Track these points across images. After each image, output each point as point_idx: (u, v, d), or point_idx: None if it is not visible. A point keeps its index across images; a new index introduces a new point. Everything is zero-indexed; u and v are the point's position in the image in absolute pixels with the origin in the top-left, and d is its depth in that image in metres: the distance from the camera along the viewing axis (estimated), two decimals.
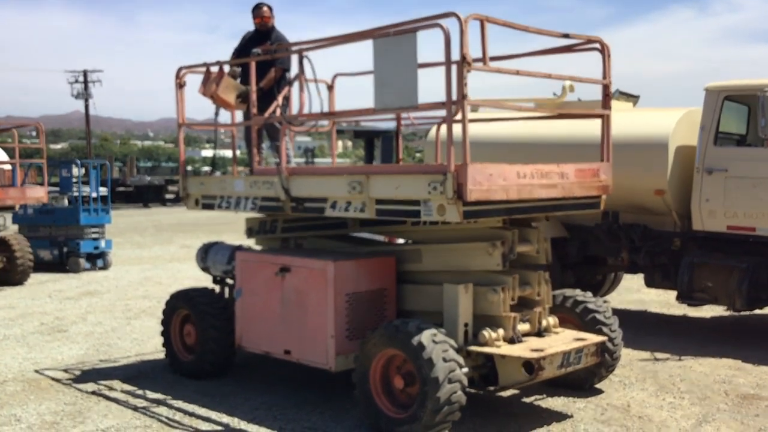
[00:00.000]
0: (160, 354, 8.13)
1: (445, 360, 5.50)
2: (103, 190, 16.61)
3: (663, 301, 11.46)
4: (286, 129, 7.18)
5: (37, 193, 13.57)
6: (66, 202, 16.71)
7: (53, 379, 7.59)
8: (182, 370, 7.59)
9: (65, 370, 7.91)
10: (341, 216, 6.37)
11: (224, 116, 7.80)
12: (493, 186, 5.51)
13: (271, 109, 7.16)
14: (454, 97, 5.31)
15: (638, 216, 9.32)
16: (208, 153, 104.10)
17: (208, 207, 7.58)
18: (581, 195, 6.35)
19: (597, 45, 6.48)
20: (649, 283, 9.57)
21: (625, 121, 9.03)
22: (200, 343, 7.39)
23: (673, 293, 9.22)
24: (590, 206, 6.58)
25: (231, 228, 24.14)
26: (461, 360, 5.64)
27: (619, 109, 9.15)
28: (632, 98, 11.03)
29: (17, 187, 13.46)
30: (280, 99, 7.25)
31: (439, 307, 6.18)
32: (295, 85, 6.92)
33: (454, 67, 5.29)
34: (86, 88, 56.25)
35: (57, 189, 17.17)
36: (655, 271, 9.37)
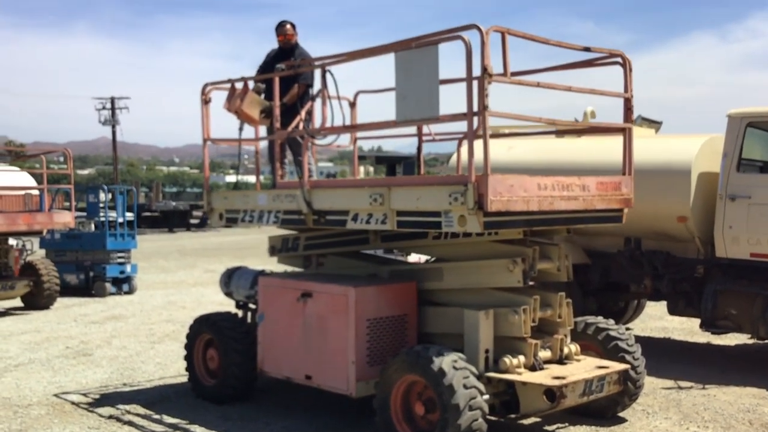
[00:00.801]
0: (183, 378, 8.19)
1: (465, 387, 5.50)
2: (129, 215, 16.81)
3: (686, 329, 11.35)
4: (309, 143, 7.27)
5: (65, 218, 13.74)
6: (93, 227, 16.92)
7: (77, 403, 7.67)
8: (204, 394, 7.64)
9: (89, 394, 7.99)
10: (363, 228, 6.40)
11: (248, 132, 7.89)
12: (514, 197, 5.53)
13: (294, 124, 7.26)
14: (475, 108, 5.35)
15: (661, 243, 9.28)
16: (232, 178, 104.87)
17: (231, 221, 7.68)
18: (603, 208, 6.33)
19: (618, 59, 6.47)
20: (672, 310, 9.50)
21: (648, 148, 9.02)
22: (223, 367, 7.44)
23: (697, 321, 9.13)
24: (612, 220, 6.55)
25: (254, 252, 24.26)
26: (482, 387, 5.64)
27: (641, 136, 9.16)
28: (655, 124, 11.03)
29: (45, 212, 13.65)
30: (303, 113, 7.33)
31: (460, 329, 6.18)
32: (318, 100, 7.03)
33: (475, 81, 5.32)
34: (113, 114, 57.03)
35: (84, 214, 17.40)
36: (678, 299, 9.30)
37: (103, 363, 9.49)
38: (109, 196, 16.80)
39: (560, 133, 10.54)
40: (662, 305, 10.03)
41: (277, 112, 7.19)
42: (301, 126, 7.27)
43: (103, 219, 16.20)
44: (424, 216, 5.79)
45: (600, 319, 7.01)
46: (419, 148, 8.22)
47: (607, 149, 8.85)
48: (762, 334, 8.47)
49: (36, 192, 14.12)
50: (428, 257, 7.38)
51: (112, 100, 57.16)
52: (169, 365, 9.31)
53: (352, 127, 7.63)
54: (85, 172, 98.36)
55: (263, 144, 8.26)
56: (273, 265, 8.20)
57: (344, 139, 8.30)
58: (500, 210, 5.45)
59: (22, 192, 14.08)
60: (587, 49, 6.25)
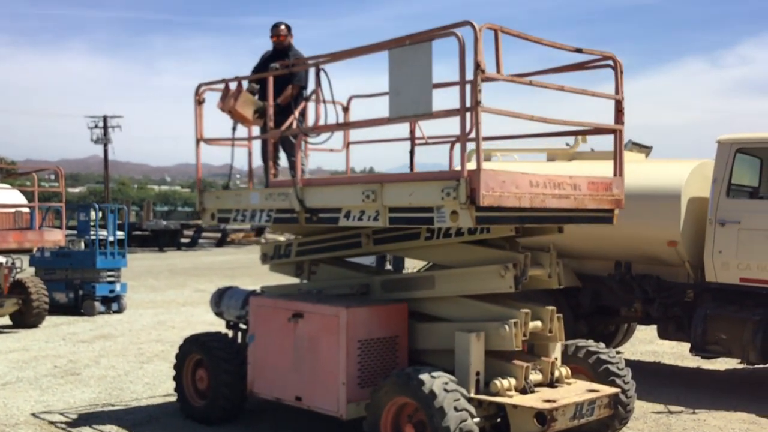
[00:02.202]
0: (172, 398, 8.14)
1: (456, 409, 5.49)
2: (120, 234, 16.76)
3: (677, 353, 11.37)
4: (302, 141, 7.25)
5: (55, 237, 13.70)
6: (83, 245, 16.85)
7: (64, 422, 7.60)
8: (193, 415, 7.59)
9: (77, 414, 7.93)
10: (355, 225, 6.39)
11: (241, 133, 7.84)
12: (506, 193, 5.55)
13: (287, 123, 7.27)
14: (468, 104, 5.37)
15: (651, 267, 9.31)
16: None
17: (223, 221, 7.66)
18: (594, 207, 6.35)
19: (610, 61, 6.52)
20: (663, 334, 9.52)
21: (638, 172, 9.08)
22: (212, 388, 7.40)
23: (687, 345, 9.16)
24: (603, 220, 6.56)
25: (245, 272, 24.21)
26: (473, 409, 5.63)
27: (631, 160, 9.22)
28: (645, 149, 11.11)
29: (35, 230, 13.60)
30: (296, 113, 7.34)
31: (449, 345, 6.18)
32: (311, 101, 7.01)
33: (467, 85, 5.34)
34: (106, 133, 57.05)
35: (74, 232, 17.31)
36: (668, 323, 9.33)
37: (91, 382, 9.42)
38: (100, 214, 16.75)
39: (551, 157, 10.64)
40: (652, 329, 10.05)
41: (270, 111, 7.19)
42: (294, 125, 7.28)
43: (93, 237, 16.14)
44: (416, 212, 5.79)
45: (590, 342, 7.01)
46: (412, 152, 8.15)
47: (598, 173, 8.91)
48: (752, 359, 8.49)
49: (27, 210, 14.10)
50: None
51: (105, 118, 57.21)
52: (157, 385, 9.26)
53: (346, 125, 7.63)
54: (76, 190, 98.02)
55: (257, 149, 8.21)
56: (264, 268, 8.12)
57: (337, 142, 8.23)
58: (492, 205, 5.46)
59: (13, 209, 14.08)
60: (579, 51, 6.28)
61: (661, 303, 9.24)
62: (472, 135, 5.39)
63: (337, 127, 7.08)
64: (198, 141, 7.71)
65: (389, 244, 6.96)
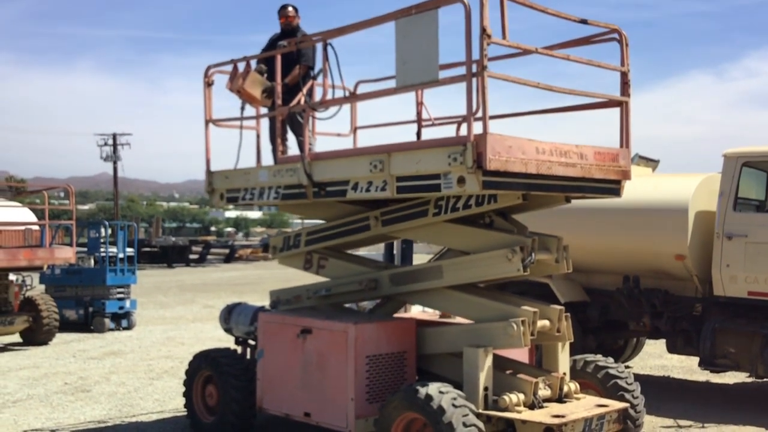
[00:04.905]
0: (182, 415, 8.17)
1: (465, 425, 5.50)
2: (130, 251, 16.84)
3: (686, 367, 11.33)
4: (310, 116, 7.26)
5: (66, 254, 13.77)
6: (92, 262, 16.93)
7: None
8: (203, 431, 7.61)
9: (87, 431, 7.96)
10: (362, 197, 6.37)
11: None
12: (512, 158, 5.53)
13: (295, 101, 7.27)
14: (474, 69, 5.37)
15: (659, 281, 9.31)
16: (231, 214, 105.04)
17: (232, 201, 7.64)
18: (600, 177, 6.30)
19: (615, 35, 6.50)
20: (671, 348, 9.50)
21: (645, 186, 9.10)
22: (222, 404, 7.43)
23: (696, 359, 9.14)
24: (610, 191, 6.52)
25: (253, 288, 24.25)
26: (481, 425, 5.64)
27: (638, 174, 9.25)
28: (652, 163, 11.13)
29: (46, 247, 13.68)
30: (304, 90, 7.33)
31: (457, 348, 6.19)
32: (319, 80, 7.00)
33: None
34: (115, 150, 57.35)
35: (84, 249, 17.41)
36: (677, 337, 9.32)
37: (102, 399, 9.46)
38: (110, 231, 16.83)
39: None
40: (661, 343, 10.03)
41: (278, 89, 7.18)
42: (302, 102, 7.30)
43: (103, 254, 16.23)
44: (423, 180, 5.80)
45: (599, 357, 7.02)
46: (418, 134, 8.11)
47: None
48: (760, 373, 8.47)
49: (37, 227, 14.18)
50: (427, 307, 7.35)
51: (114, 136, 57.54)
52: (167, 402, 9.29)
53: (353, 97, 7.64)
54: (86, 207, 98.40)
55: (265, 130, 8.23)
56: (273, 261, 8.11)
57: (344, 126, 8.25)
58: (499, 170, 5.45)
59: (23, 227, 14.14)
60: (584, 22, 6.27)
61: (669, 317, 9.23)
62: (479, 114, 5.39)
63: (345, 100, 7.08)
64: (207, 122, 7.73)
65: (398, 224, 6.82)
